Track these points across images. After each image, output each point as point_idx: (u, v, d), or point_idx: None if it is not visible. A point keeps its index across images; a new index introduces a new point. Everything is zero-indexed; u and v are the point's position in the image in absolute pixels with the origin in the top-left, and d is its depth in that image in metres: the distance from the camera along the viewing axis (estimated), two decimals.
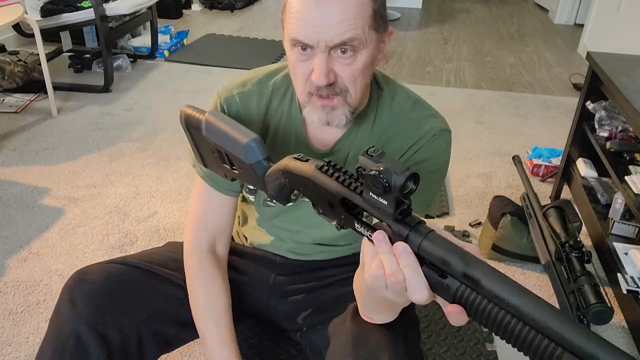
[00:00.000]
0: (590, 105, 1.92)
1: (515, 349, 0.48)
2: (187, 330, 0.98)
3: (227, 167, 0.79)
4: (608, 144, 1.77)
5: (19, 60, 3.03)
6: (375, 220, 0.58)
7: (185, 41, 3.83)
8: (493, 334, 0.49)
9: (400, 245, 0.54)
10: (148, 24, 3.50)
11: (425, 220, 0.57)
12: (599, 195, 1.82)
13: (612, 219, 1.68)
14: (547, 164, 2.30)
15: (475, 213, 2.03)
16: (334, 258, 1.02)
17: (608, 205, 1.75)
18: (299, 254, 1.01)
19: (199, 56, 3.62)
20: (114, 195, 2.04)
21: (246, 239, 1.08)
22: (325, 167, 0.63)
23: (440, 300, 0.55)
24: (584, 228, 1.76)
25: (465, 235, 1.91)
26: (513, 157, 2.07)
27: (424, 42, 4.32)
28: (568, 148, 2.05)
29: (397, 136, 0.90)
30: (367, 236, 0.59)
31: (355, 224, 0.60)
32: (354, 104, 0.81)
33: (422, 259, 0.54)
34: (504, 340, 0.49)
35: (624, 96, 1.55)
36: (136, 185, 2.11)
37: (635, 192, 1.51)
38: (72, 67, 3.24)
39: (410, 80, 3.44)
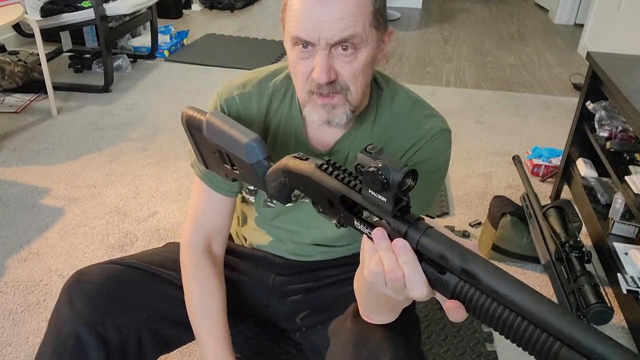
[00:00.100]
0: (590, 105, 1.92)
1: (515, 345, 0.48)
2: (186, 331, 0.98)
3: (228, 167, 0.79)
4: (608, 144, 1.77)
5: (19, 60, 3.03)
6: (375, 219, 0.58)
7: (185, 41, 3.84)
8: (492, 329, 0.49)
9: (399, 242, 0.54)
10: (148, 24, 3.50)
11: (424, 217, 0.57)
12: (599, 195, 1.82)
13: (612, 219, 1.68)
14: (547, 164, 2.30)
15: (475, 213, 2.03)
16: (334, 258, 1.02)
17: (608, 205, 1.75)
18: (298, 254, 1.01)
19: (199, 56, 3.62)
20: (114, 195, 2.04)
21: (245, 239, 1.08)
22: (325, 166, 0.63)
23: (439, 296, 0.55)
24: (584, 228, 1.76)
25: (465, 235, 1.91)
26: (513, 157, 2.07)
27: (424, 42, 4.32)
28: (568, 148, 2.05)
29: (397, 136, 0.90)
30: (366, 234, 0.59)
31: (355, 222, 0.60)
32: (354, 103, 0.81)
33: (421, 255, 0.54)
34: (503, 336, 0.49)
35: (624, 96, 1.55)
36: (136, 185, 2.11)
37: (635, 192, 1.51)
38: (72, 67, 3.24)
39: (410, 80, 3.44)
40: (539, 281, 1.69)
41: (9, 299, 1.52)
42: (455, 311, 0.51)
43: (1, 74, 2.77)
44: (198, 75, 3.31)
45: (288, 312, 1.03)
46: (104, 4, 2.82)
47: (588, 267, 1.43)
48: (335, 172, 0.62)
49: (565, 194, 2.11)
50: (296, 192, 0.73)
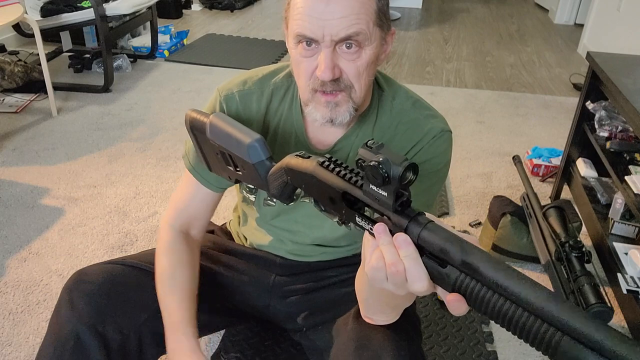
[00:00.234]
0: (590, 105, 1.92)
1: (516, 337, 0.48)
2: None
3: (231, 168, 0.80)
4: (608, 144, 1.77)
5: (19, 60, 3.03)
6: (376, 215, 0.59)
7: (185, 41, 3.83)
8: (493, 322, 0.49)
9: (400, 236, 0.55)
10: (148, 24, 3.50)
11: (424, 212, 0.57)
12: (599, 195, 1.81)
13: (612, 219, 1.68)
14: (547, 164, 2.30)
15: (475, 213, 2.03)
16: (335, 259, 1.02)
17: (608, 205, 1.75)
18: (299, 255, 1.01)
19: (199, 56, 3.62)
20: (114, 195, 2.04)
21: (246, 239, 1.08)
22: (327, 163, 0.64)
23: (440, 290, 0.55)
24: (584, 228, 1.76)
25: None
26: (513, 157, 2.07)
27: (424, 42, 4.32)
28: (568, 148, 2.05)
29: (397, 137, 0.90)
30: (368, 230, 0.59)
31: (357, 218, 0.61)
32: (358, 101, 0.81)
33: (422, 249, 0.55)
34: (504, 328, 0.49)
35: (624, 96, 1.55)
36: (136, 185, 2.11)
37: (635, 192, 1.51)
38: (72, 67, 3.24)
39: (410, 80, 3.44)
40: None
41: (9, 299, 1.52)
42: (456, 304, 0.52)
43: (1, 74, 2.77)
44: (198, 75, 3.31)
45: (288, 313, 1.04)
46: (104, 4, 2.82)
47: (588, 267, 1.43)
48: (337, 169, 0.63)
49: (565, 194, 2.11)
50: (296, 191, 0.74)
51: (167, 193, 2.07)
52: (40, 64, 2.64)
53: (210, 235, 1.15)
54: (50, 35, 3.00)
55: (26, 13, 2.61)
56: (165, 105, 2.86)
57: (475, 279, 0.50)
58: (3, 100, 2.79)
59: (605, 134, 1.83)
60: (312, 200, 0.69)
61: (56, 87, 2.81)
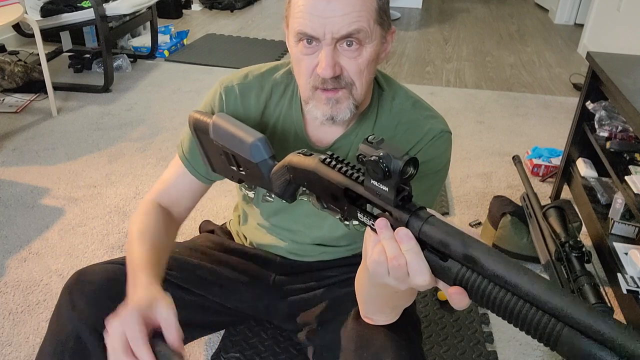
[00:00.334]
0: (590, 105, 1.92)
1: (517, 328, 0.49)
2: (187, 331, 0.98)
3: (235, 169, 0.81)
4: (608, 144, 1.77)
5: (19, 60, 3.03)
6: (377, 211, 0.59)
7: (185, 41, 3.83)
8: (494, 314, 0.50)
9: (402, 230, 0.55)
10: (148, 24, 3.50)
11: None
12: (599, 195, 1.81)
13: (612, 219, 1.68)
14: (547, 164, 2.30)
15: (475, 213, 2.03)
16: (335, 259, 1.02)
17: (608, 205, 1.75)
18: (299, 254, 1.01)
19: (199, 56, 3.62)
20: (114, 195, 2.04)
21: (246, 238, 1.08)
22: (329, 160, 0.65)
23: (441, 284, 0.55)
24: (584, 228, 1.76)
25: None
26: (513, 157, 2.06)
27: (424, 42, 4.32)
28: (568, 148, 2.05)
29: (397, 137, 0.90)
30: (369, 225, 0.60)
31: (358, 214, 0.61)
32: (359, 98, 0.81)
33: (423, 244, 0.55)
34: (505, 320, 0.49)
35: (624, 96, 1.55)
36: (136, 185, 2.11)
37: (635, 192, 1.51)
38: (72, 67, 3.23)
39: (410, 80, 3.44)
40: None
41: (9, 299, 1.52)
42: (458, 297, 0.52)
43: (1, 74, 2.77)
44: (198, 75, 3.31)
45: (288, 312, 1.03)
46: (104, 4, 2.82)
47: (588, 267, 1.43)
48: (339, 166, 0.63)
49: (565, 194, 2.11)
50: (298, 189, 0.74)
51: None
52: (40, 64, 2.64)
53: (210, 235, 1.15)
54: (50, 35, 3.00)
55: (26, 13, 2.61)
56: (165, 105, 2.86)
57: (476, 271, 0.50)
58: (3, 100, 2.79)
59: (605, 134, 1.83)
60: (314, 198, 0.69)
61: (56, 87, 2.81)
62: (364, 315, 0.82)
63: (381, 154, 0.54)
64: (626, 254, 1.55)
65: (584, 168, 1.95)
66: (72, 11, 2.85)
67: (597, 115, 1.88)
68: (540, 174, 2.30)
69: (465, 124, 2.81)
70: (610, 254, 1.58)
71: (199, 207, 1.95)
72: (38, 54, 2.58)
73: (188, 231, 1.77)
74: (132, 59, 3.40)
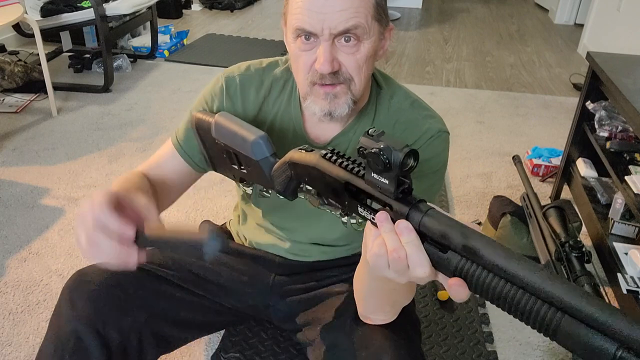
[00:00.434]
0: (590, 105, 1.92)
1: (517, 319, 0.49)
2: (187, 331, 0.98)
3: (236, 167, 0.81)
4: (608, 144, 1.77)
5: (19, 60, 3.03)
6: (378, 206, 0.60)
7: (185, 41, 3.84)
8: (494, 305, 0.50)
9: (402, 223, 0.55)
10: (148, 24, 3.50)
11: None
12: (599, 195, 1.82)
13: (612, 219, 1.68)
14: (547, 164, 2.30)
15: (475, 213, 2.03)
16: (334, 259, 1.02)
17: (608, 205, 1.75)
18: (298, 254, 1.01)
19: (199, 56, 3.62)
20: None
21: (246, 239, 1.08)
22: (329, 155, 0.65)
23: (441, 277, 0.56)
24: (584, 228, 1.76)
25: None
26: (513, 157, 2.06)
27: (424, 42, 4.32)
28: (568, 148, 2.05)
29: (395, 136, 0.90)
30: (370, 219, 0.60)
31: (359, 208, 0.62)
32: (357, 94, 0.81)
33: (423, 236, 0.55)
34: (505, 311, 0.49)
35: (624, 96, 1.55)
36: None
37: (635, 192, 1.51)
38: (72, 67, 3.24)
39: (410, 80, 3.44)
40: None
41: (9, 299, 1.52)
42: (458, 288, 0.52)
43: (1, 74, 2.77)
44: (198, 75, 3.31)
45: (288, 312, 1.04)
46: (104, 4, 2.82)
47: (588, 267, 1.43)
48: (340, 160, 0.64)
49: (565, 194, 2.11)
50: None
51: None
52: (40, 64, 2.64)
53: None
54: (50, 35, 3.00)
55: (26, 13, 2.61)
56: (165, 105, 2.86)
57: (475, 262, 0.51)
58: (3, 100, 2.79)
59: (605, 134, 1.83)
60: (313, 195, 0.69)
61: (56, 87, 2.81)
62: (363, 314, 0.82)
63: (382, 146, 0.54)
64: (626, 254, 1.55)
65: (584, 168, 1.95)
66: (72, 11, 2.85)
67: (597, 115, 1.88)
68: (540, 174, 2.30)
69: (465, 124, 2.81)
70: (610, 254, 1.58)
71: (199, 207, 1.95)
72: (38, 54, 2.58)
73: None
74: (132, 59, 3.40)
